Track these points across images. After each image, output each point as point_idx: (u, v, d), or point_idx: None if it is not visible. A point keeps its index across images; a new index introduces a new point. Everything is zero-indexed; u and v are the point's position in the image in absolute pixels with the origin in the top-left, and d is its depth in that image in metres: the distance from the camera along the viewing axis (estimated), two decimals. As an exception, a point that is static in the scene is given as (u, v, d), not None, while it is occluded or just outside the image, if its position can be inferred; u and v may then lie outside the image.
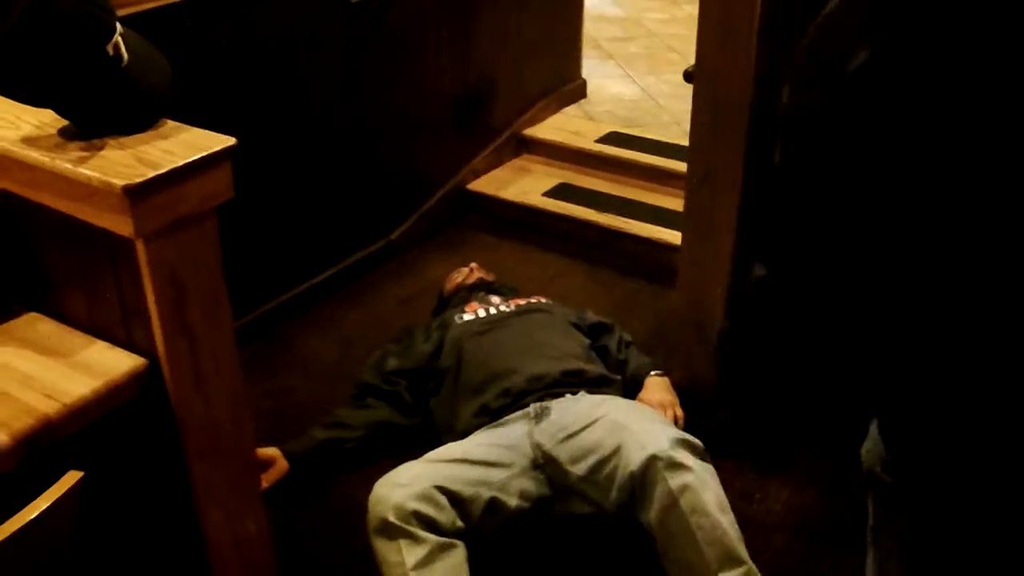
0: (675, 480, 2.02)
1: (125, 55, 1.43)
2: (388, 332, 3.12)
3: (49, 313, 1.64)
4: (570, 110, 4.71)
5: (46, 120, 1.51)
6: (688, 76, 2.44)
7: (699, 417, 2.57)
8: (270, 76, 3.05)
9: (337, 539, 2.41)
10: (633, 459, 2.07)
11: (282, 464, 2.52)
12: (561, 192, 4.04)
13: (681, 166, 3.91)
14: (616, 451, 2.13)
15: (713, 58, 2.26)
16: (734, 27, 2.17)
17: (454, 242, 3.86)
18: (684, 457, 2.06)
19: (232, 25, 2.88)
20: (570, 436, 2.25)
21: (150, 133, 1.48)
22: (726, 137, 2.31)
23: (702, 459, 2.11)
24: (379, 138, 3.56)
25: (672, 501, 2.01)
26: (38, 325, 1.63)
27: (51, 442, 1.41)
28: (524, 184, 4.12)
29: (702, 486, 2.03)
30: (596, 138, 4.31)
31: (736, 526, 2.04)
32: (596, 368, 2.61)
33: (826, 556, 2.35)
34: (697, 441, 2.14)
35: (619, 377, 2.67)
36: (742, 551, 2.00)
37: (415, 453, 2.31)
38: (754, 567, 2.00)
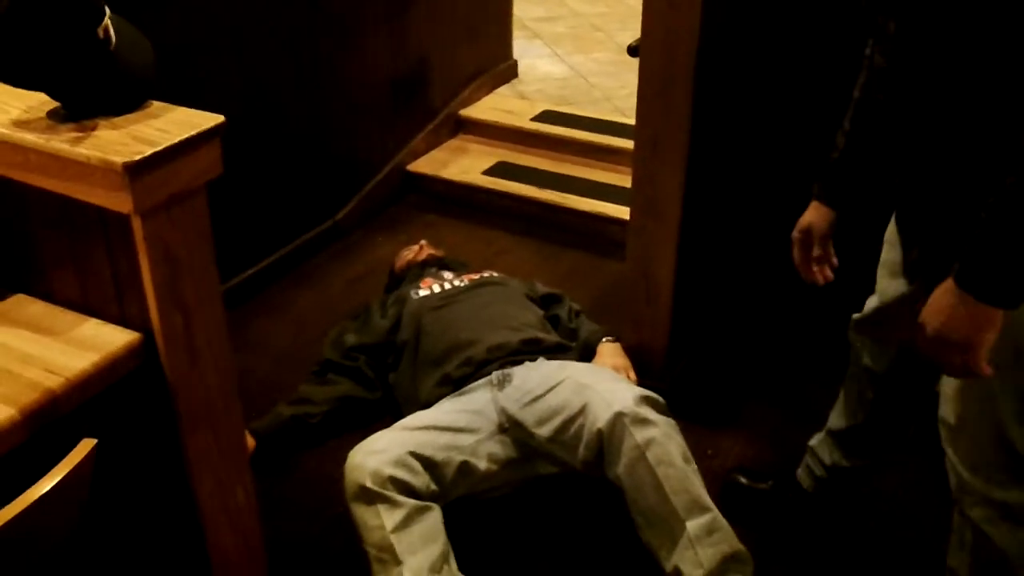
0: (641, 434, 2.12)
1: (114, 38, 1.47)
2: (339, 312, 3.18)
3: (37, 294, 1.67)
4: (503, 90, 4.79)
5: (33, 104, 1.53)
6: (632, 50, 2.53)
7: (651, 379, 2.67)
8: (215, 63, 3.07)
9: (310, 511, 2.46)
10: (600, 417, 2.16)
11: (249, 441, 2.56)
12: (500, 170, 4.12)
13: (615, 141, 4.06)
14: (582, 410, 2.22)
15: (659, 30, 2.34)
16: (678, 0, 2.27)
17: (398, 222, 3.91)
18: (648, 413, 2.16)
19: (176, 13, 2.89)
20: (535, 399, 2.33)
21: (139, 113, 1.51)
22: (672, 107, 2.40)
23: (664, 414, 2.21)
24: (322, 121, 3.59)
25: (639, 454, 2.10)
26: (28, 306, 1.64)
27: (57, 416, 1.45)
28: (463, 163, 4.19)
29: (667, 439, 2.13)
30: (531, 117, 4.41)
31: (700, 476, 2.15)
32: (552, 337, 2.70)
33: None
34: (659, 397, 2.24)
35: (574, 344, 2.76)
36: (707, 499, 2.10)
37: (378, 426, 2.36)
38: (719, 514, 2.10)
